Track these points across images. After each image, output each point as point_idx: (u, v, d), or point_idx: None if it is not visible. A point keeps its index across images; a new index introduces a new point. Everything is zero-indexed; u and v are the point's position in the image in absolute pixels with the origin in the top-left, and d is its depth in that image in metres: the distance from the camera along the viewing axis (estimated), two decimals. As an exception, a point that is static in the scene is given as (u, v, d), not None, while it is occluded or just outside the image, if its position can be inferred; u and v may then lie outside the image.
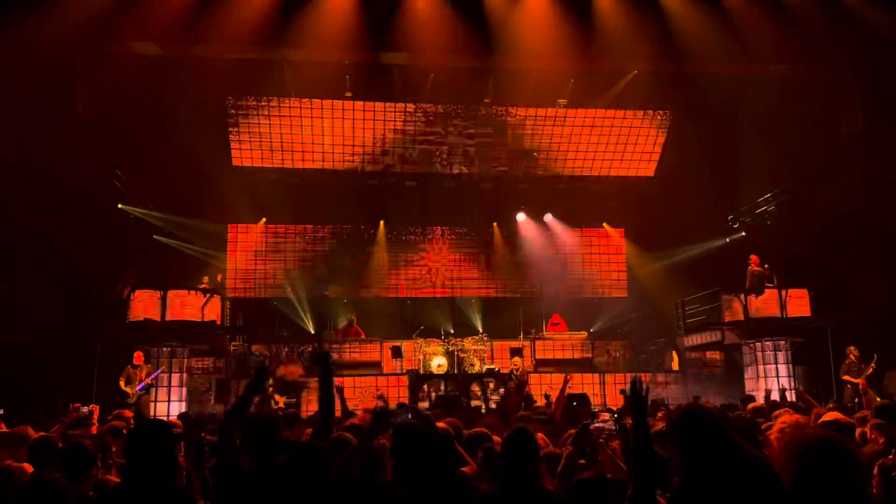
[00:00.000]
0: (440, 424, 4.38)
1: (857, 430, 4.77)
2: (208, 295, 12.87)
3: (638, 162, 18.07)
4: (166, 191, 15.39)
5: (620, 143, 17.60)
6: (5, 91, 11.35)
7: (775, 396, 10.48)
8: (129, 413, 6.81)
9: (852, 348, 12.23)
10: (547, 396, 13.03)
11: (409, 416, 4.22)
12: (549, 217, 18.77)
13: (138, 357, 11.92)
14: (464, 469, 3.64)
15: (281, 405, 11.75)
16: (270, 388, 11.98)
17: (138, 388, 11.58)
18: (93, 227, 13.00)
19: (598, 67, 14.92)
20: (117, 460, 4.37)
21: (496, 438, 4.15)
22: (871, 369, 11.80)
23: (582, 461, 3.42)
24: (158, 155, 14.76)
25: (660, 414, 6.11)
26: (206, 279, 13.78)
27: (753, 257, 13.99)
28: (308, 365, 12.48)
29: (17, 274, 11.79)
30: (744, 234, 16.54)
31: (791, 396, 9.97)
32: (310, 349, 14.11)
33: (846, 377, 12.21)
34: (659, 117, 17.17)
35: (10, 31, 10.67)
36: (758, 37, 13.25)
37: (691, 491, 2.72)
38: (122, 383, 11.64)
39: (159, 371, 12.02)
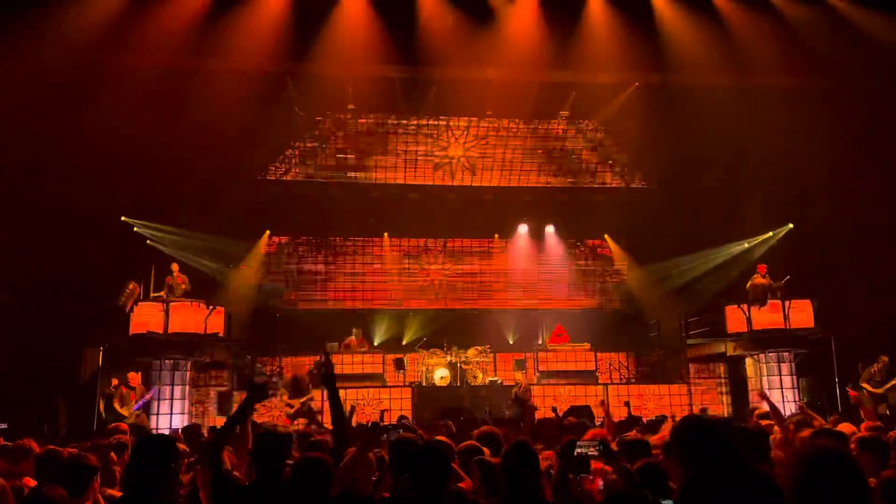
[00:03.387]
0: (438, 437, 4.37)
1: None
2: (211, 307, 12.89)
3: (640, 174, 18.08)
4: (169, 203, 15.41)
5: (622, 154, 17.62)
6: (11, 105, 11.44)
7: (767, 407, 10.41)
8: (125, 427, 6.77)
9: (884, 358, 11.98)
10: (554, 409, 13.01)
11: (402, 430, 4.22)
12: (550, 229, 18.77)
13: (133, 378, 11.77)
14: (460, 485, 3.61)
15: (296, 406, 11.76)
16: (283, 396, 12.01)
17: (135, 408, 11.49)
18: (96, 240, 13.03)
19: (599, 80, 14.98)
20: (119, 475, 4.37)
21: (486, 451, 4.13)
22: (893, 383, 11.64)
23: (571, 475, 3.42)
24: (161, 168, 14.80)
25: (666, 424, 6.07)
26: (175, 266, 13.62)
27: (760, 267, 13.91)
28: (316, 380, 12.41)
29: (22, 287, 11.81)
30: (746, 245, 16.52)
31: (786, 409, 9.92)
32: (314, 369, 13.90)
33: (864, 384, 12.01)
34: (661, 129, 17.17)
35: (16, 46, 10.77)
36: (759, 49, 13.30)
37: (693, 501, 2.71)
38: (116, 404, 11.50)
39: (153, 391, 11.92)
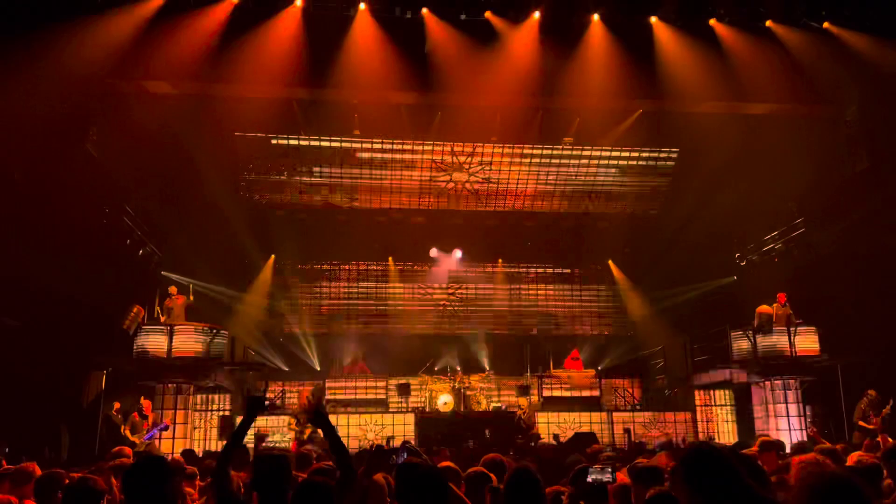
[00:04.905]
0: (444, 463, 4.34)
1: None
2: (214, 330, 12.85)
3: (644, 200, 18.14)
4: (175, 227, 15.48)
5: (626, 180, 17.70)
6: (19, 129, 11.55)
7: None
8: (129, 451, 6.74)
9: (872, 392, 11.93)
10: (556, 437, 12.93)
11: (406, 454, 4.19)
12: (554, 254, 18.77)
13: (147, 406, 11.74)
14: None
15: (307, 432, 11.71)
16: (294, 424, 11.97)
17: (146, 437, 11.43)
18: (102, 264, 13.06)
19: (602, 106, 15.08)
20: (118, 497, 4.36)
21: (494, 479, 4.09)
22: (886, 411, 11.57)
23: (582, 502, 3.42)
24: (168, 192, 14.91)
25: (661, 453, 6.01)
26: (173, 288, 13.57)
27: (781, 296, 13.77)
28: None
29: (26, 310, 11.81)
30: (752, 271, 16.49)
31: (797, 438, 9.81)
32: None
33: (861, 422, 11.92)
34: (665, 156, 17.27)
35: (26, 72, 10.91)
36: (762, 77, 13.42)
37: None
38: (127, 432, 11.43)
39: (163, 425, 11.85)
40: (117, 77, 12.96)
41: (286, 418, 12.91)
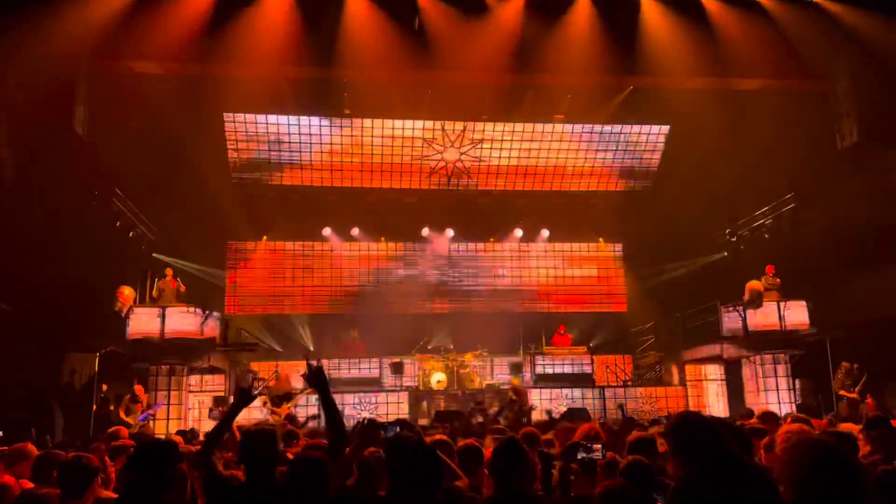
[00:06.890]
0: (436, 436, 4.37)
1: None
2: (207, 312, 12.85)
3: (635, 177, 18.15)
4: (166, 208, 15.39)
5: (618, 157, 17.70)
6: (4, 110, 11.42)
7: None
8: (125, 431, 6.77)
9: (845, 363, 12.26)
10: (549, 412, 13.03)
11: (399, 428, 4.22)
12: (545, 232, 18.81)
13: (139, 390, 11.78)
14: (457, 483, 3.63)
15: (283, 415, 11.78)
16: (268, 404, 12.01)
17: (140, 419, 11.47)
18: (92, 246, 13.00)
19: (593, 83, 15.01)
20: (112, 476, 4.39)
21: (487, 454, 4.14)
22: (862, 383, 11.82)
23: (572, 477, 3.48)
24: (158, 173, 14.80)
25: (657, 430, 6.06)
26: (169, 270, 13.52)
27: (769, 268, 13.90)
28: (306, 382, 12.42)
29: (18, 293, 11.77)
30: (742, 247, 16.57)
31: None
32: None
33: (842, 391, 12.21)
34: (656, 132, 17.26)
35: (10, 51, 10.77)
36: (752, 52, 13.37)
37: (688, 497, 2.73)
38: (121, 413, 11.48)
39: (159, 405, 11.88)
40: (104, 56, 12.81)
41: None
